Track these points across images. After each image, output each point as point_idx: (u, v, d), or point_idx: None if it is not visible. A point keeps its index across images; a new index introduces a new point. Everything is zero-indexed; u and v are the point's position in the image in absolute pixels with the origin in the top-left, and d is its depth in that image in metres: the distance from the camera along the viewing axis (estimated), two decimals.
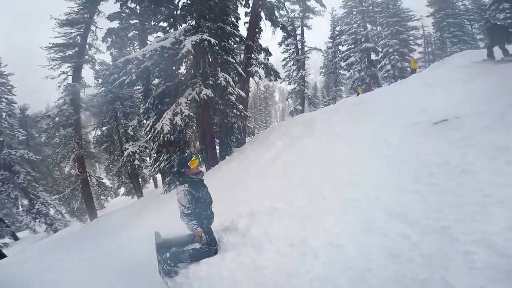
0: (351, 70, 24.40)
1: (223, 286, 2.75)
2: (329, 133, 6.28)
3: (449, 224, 2.54)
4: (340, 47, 26.36)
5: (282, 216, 3.57)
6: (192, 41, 7.71)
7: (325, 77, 33.06)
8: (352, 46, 24.09)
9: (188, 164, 3.18)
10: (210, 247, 3.25)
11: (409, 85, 7.47)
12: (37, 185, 17.07)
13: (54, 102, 15.98)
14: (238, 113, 9.47)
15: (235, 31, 9.83)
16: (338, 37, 26.34)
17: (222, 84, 8.46)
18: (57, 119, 14.50)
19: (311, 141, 6.31)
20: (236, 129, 11.52)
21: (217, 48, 8.51)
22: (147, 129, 9.55)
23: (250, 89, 15.35)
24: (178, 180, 3.25)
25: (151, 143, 9.78)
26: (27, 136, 21.53)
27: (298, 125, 7.73)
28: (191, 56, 8.99)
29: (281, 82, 24.52)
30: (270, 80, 12.22)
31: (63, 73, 14.81)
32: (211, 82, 8.77)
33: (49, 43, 14.27)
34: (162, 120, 8.16)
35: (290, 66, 25.57)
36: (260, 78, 11.87)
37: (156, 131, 8.18)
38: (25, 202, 16.68)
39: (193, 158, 3.22)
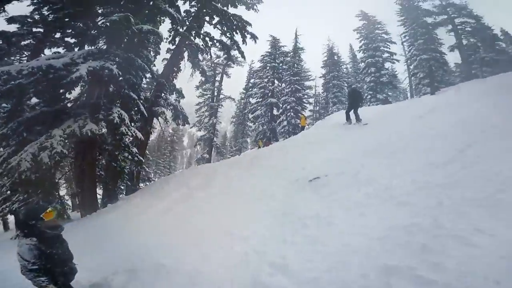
0: (256, 123, 25.72)
1: None
2: (227, 186, 6.38)
3: (319, 274, 2.74)
4: (250, 99, 28.01)
5: (169, 273, 3.36)
6: (90, 66, 6.86)
7: (234, 127, 34.31)
8: (260, 99, 25.84)
9: (42, 216, 2.48)
10: None
11: (296, 142, 8.71)
12: None
13: None
14: (130, 157, 8.41)
15: (146, 66, 9.34)
16: (250, 89, 28.11)
17: (115, 121, 7.46)
18: None
19: (209, 193, 6.23)
20: (128, 174, 10.13)
21: (120, 79, 7.82)
22: None
23: (155, 130, 14.45)
24: (23, 232, 2.50)
25: (4, 178, 7.37)
26: None
27: (199, 175, 7.61)
28: (86, 83, 7.87)
29: (191, 127, 24.18)
30: (178, 124, 11.78)
31: None
32: (101, 117, 7.62)
33: None
34: (21, 154, 6.36)
35: (203, 112, 25.70)
36: (165, 120, 11.27)
37: (10, 166, 6.21)
38: None
39: (49, 209, 2.54)
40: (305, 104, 26.62)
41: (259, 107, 25.70)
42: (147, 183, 16.62)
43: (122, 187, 10.54)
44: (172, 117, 11.27)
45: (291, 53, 26.92)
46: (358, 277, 2.50)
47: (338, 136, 7.92)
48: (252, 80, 28.89)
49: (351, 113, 8.98)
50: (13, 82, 6.87)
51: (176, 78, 11.89)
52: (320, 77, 29.79)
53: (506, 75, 9.76)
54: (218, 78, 25.08)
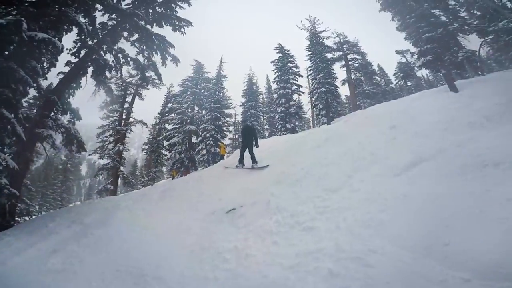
0: (173, 151, 23.92)
1: None
2: (132, 222, 5.63)
3: None
4: (166, 125, 25.88)
5: None
6: None
7: (147, 155, 30.38)
8: (178, 126, 24.08)
9: None
10: None
11: (213, 172, 8.55)
12: None
13: None
14: None
15: (29, 79, 7.38)
16: (167, 114, 26.11)
17: None
18: None
19: (109, 230, 5.32)
20: None
21: None
22: None
23: (41, 156, 11.54)
24: None
25: None
26: None
27: (95, 211, 6.45)
28: None
29: (90, 155, 20.30)
30: (71, 151, 9.56)
31: None
32: None
33: None
34: None
35: (107, 137, 21.52)
36: (53, 146, 9.08)
37: None
38: None
39: None
40: (225, 132, 25.88)
41: (176, 134, 23.89)
42: (26, 218, 12.98)
43: None
44: (63, 142, 9.14)
45: (214, 80, 26.58)
46: None
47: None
48: (169, 105, 26.94)
49: (247, 153, 8.06)
50: None
51: (73, 96, 9.95)
52: (240, 105, 29.99)
53: (379, 106, 12.55)
54: (129, 99, 22.09)
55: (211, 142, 23.12)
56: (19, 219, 11.84)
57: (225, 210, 5.13)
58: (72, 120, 9.48)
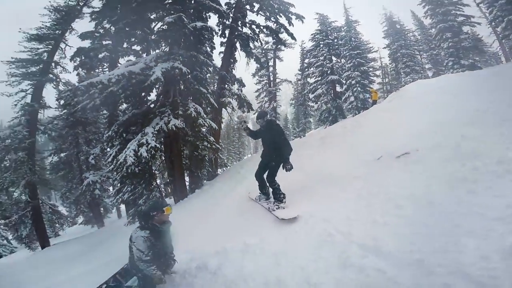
0: (318, 102, 24.76)
1: None
2: (299, 168, 6.11)
3: (423, 256, 2.54)
4: (308, 79, 26.91)
5: (255, 253, 3.48)
6: (162, 68, 7.58)
7: (295, 109, 33.71)
8: (319, 78, 24.63)
9: (164, 209, 3.07)
10: None
11: (369, 116, 7.89)
12: None
13: (7, 122, 14.65)
14: (209, 145, 9.19)
15: (208, 61, 9.84)
16: (306, 69, 27.06)
17: (193, 115, 8.21)
18: (8, 141, 12.94)
19: (283, 175, 6.23)
20: (207, 161, 11.19)
21: (189, 77, 8.48)
22: (109, 159, 8.79)
23: (223, 120, 15.50)
24: (140, 224, 3.11)
25: (114, 173, 9.12)
26: None
27: None
28: (161, 84, 8.85)
29: (254, 113, 24.83)
30: (243, 112, 12.24)
31: (22, 90, 13.55)
32: (180, 112, 8.49)
33: (12, 58, 13.12)
34: (125, 151, 7.63)
35: (262, 98, 26.43)
36: (233, 109, 11.92)
37: (119, 162, 7.60)
38: None
39: (168, 207, 3.13)
40: (371, 77, 24.59)
41: (319, 86, 24.59)
42: (224, 168, 18.27)
43: (205, 174, 11.79)
44: (237, 106, 11.86)
45: (345, 27, 25.46)
46: (477, 259, 2.22)
47: (425, 105, 6.79)
48: (306, 60, 27.69)
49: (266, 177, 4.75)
50: (107, 91, 7.95)
51: (234, 69, 12.38)
52: (384, 47, 27.87)
53: None
54: (271, 63, 25.41)
55: (359, 89, 22.66)
56: (220, 170, 16.17)
57: (394, 155, 4.62)
58: (239, 88, 11.90)
